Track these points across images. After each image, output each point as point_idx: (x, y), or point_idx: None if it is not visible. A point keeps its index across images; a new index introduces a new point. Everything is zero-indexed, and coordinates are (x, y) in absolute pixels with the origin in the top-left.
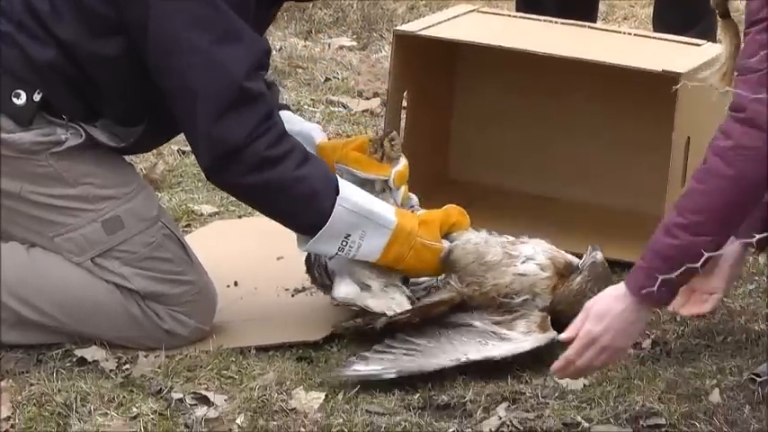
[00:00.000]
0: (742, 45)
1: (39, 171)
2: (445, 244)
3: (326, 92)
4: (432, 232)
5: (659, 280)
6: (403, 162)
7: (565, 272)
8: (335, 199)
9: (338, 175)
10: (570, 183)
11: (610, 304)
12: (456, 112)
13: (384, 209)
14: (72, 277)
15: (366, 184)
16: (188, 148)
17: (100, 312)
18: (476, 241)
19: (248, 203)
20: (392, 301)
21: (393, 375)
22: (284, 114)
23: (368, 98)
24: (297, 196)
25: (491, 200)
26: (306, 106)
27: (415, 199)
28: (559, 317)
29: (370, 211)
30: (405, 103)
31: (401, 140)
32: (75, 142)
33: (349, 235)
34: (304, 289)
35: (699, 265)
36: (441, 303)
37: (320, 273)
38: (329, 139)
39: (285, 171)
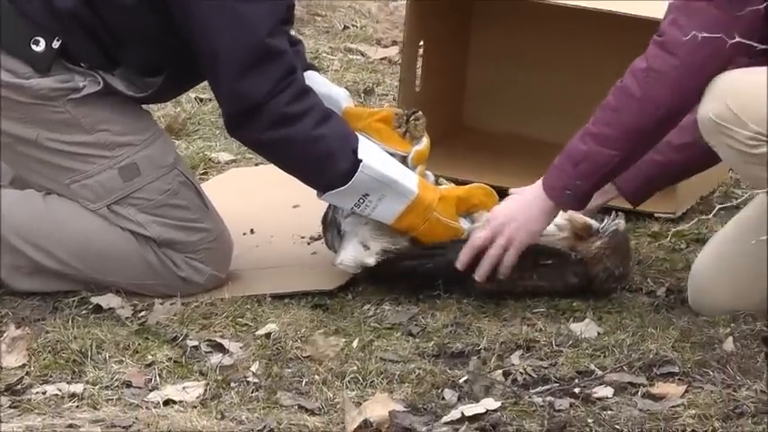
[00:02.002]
0: None
1: (55, 117)
2: (464, 223)
3: (345, 40)
4: (448, 210)
5: (565, 181)
6: (425, 142)
7: (582, 233)
8: (353, 161)
9: None
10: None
11: (522, 196)
12: (471, 59)
13: (407, 178)
14: (88, 224)
15: None
16: (205, 96)
17: (116, 259)
18: None
19: (266, 158)
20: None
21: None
22: (311, 75)
23: (386, 46)
24: (313, 155)
25: (506, 147)
26: (324, 54)
27: (431, 177)
28: None
29: (393, 179)
30: (421, 52)
31: (424, 120)
32: (92, 89)
33: (368, 195)
34: (320, 237)
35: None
36: None
37: (333, 235)
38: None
39: (303, 129)
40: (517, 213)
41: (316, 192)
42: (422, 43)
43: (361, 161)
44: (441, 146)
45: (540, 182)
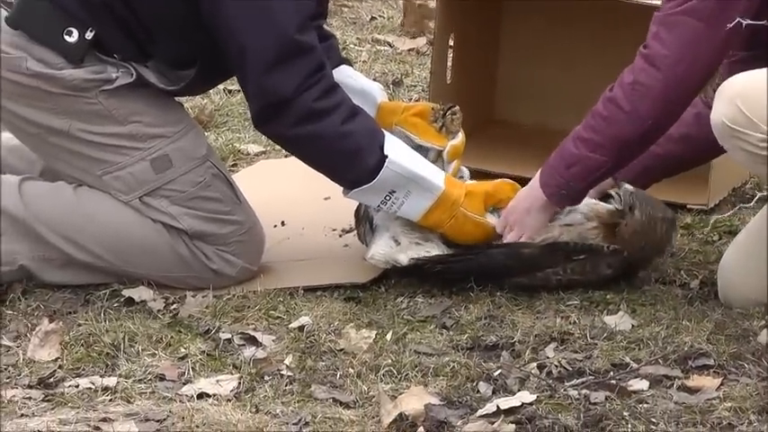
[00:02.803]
0: None
1: (88, 108)
2: (491, 219)
3: (372, 31)
4: (476, 205)
5: (559, 183)
6: (460, 137)
7: (609, 219)
8: (380, 157)
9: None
10: None
11: (525, 191)
12: (502, 51)
13: (433, 174)
14: (120, 216)
15: (419, 151)
16: (234, 87)
17: (147, 252)
18: None
19: (292, 153)
20: (425, 253)
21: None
22: (345, 70)
23: (414, 37)
24: (340, 151)
25: (536, 140)
26: (351, 45)
27: (466, 172)
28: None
29: (419, 175)
30: (451, 43)
31: (461, 115)
32: (125, 81)
33: (394, 191)
34: (351, 229)
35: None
36: None
37: (365, 229)
38: (390, 100)
39: (331, 125)
40: (520, 206)
41: (342, 189)
42: (452, 36)
43: (387, 157)
44: (471, 139)
45: (537, 177)
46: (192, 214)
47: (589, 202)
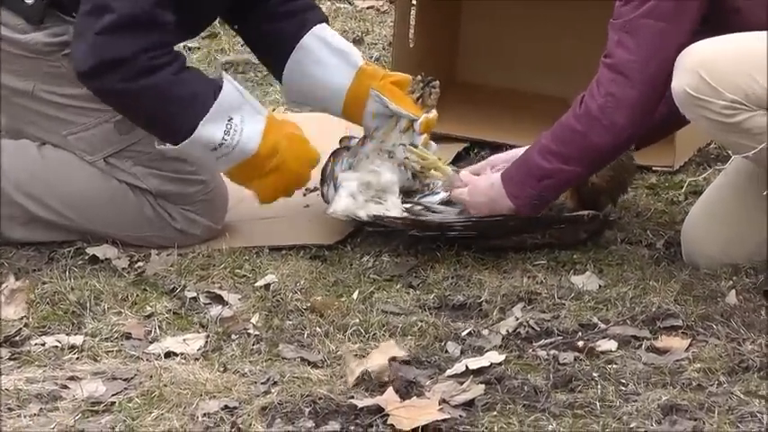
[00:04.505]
0: None
1: (51, 71)
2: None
3: None
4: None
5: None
6: (434, 113)
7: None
8: (216, 89)
9: (370, 103)
10: (581, 83)
11: (485, 192)
12: (464, 15)
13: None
14: (84, 175)
15: (392, 118)
16: (193, 45)
17: (111, 211)
18: None
19: (123, 110)
20: (382, 208)
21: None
22: (324, 30)
23: None
24: (177, 97)
25: (500, 101)
26: None
27: (434, 147)
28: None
29: (249, 99)
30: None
31: (439, 91)
32: None
33: (231, 118)
34: (315, 189)
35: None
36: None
37: (329, 187)
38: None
39: (165, 75)
40: (481, 205)
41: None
42: None
43: (222, 84)
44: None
45: (500, 184)
46: (157, 174)
47: None
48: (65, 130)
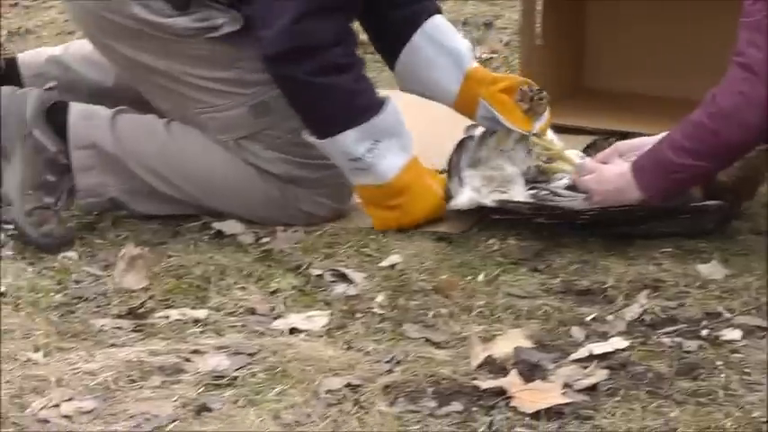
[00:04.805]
0: None
1: (193, 53)
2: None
3: None
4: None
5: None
6: (546, 117)
7: None
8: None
9: (480, 109)
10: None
11: (615, 176)
12: (589, 18)
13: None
14: (211, 155)
15: (504, 129)
16: None
17: (237, 192)
18: None
19: (292, 98)
20: (507, 196)
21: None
22: (437, 21)
23: None
24: (353, 105)
25: (626, 106)
26: None
27: (556, 141)
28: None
29: (404, 128)
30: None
31: (548, 98)
32: (232, 28)
33: (379, 140)
34: (443, 172)
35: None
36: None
37: (455, 182)
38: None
39: (345, 81)
40: (610, 193)
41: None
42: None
43: (388, 100)
44: (561, 107)
45: (630, 174)
46: (286, 159)
47: None
48: (197, 108)
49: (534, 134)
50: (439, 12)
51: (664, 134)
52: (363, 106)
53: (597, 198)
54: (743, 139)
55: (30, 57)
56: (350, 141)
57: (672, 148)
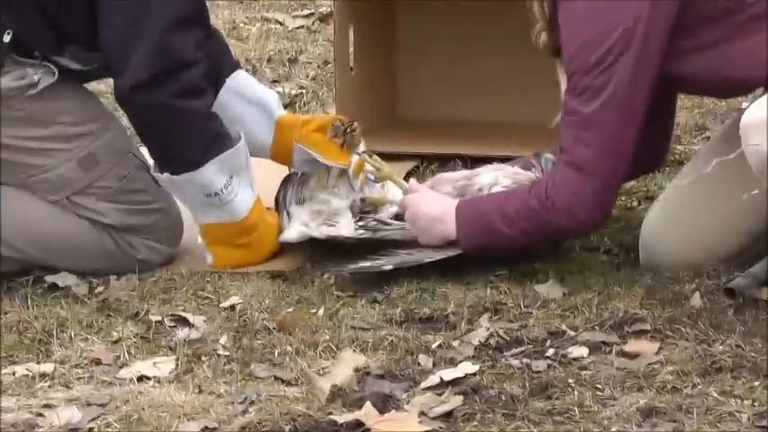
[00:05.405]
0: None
1: (15, 115)
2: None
3: (260, 9)
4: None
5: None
6: (361, 149)
7: None
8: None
9: (297, 153)
10: (517, 107)
11: (433, 222)
12: (400, 47)
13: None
14: (44, 214)
15: (323, 167)
16: None
17: (73, 247)
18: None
19: (150, 128)
20: (335, 230)
21: (390, 267)
22: (240, 75)
23: (303, 15)
24: (206, 131)
25: (442, 132)
26: (242, 24)
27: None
28: None
29: (251, 167)
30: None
31: (361, 129)
32: (48, 82)
33: (232, 177)
34: (270, 208)
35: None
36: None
37: (283, 216)
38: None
39: (204, 105)
40: (428, 227)
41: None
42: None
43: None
44: (375, 138)
45: (453, 215)
46: (119, 208)
47: (510, 173)
48: (25, 173)
49: (365, 152)
50: (239, 66)
51: (493, 192)
52: (220, 133)
53: (418, 225)
54: (576, 230)
55: None
56: (208, 174)
57: (503, 220)
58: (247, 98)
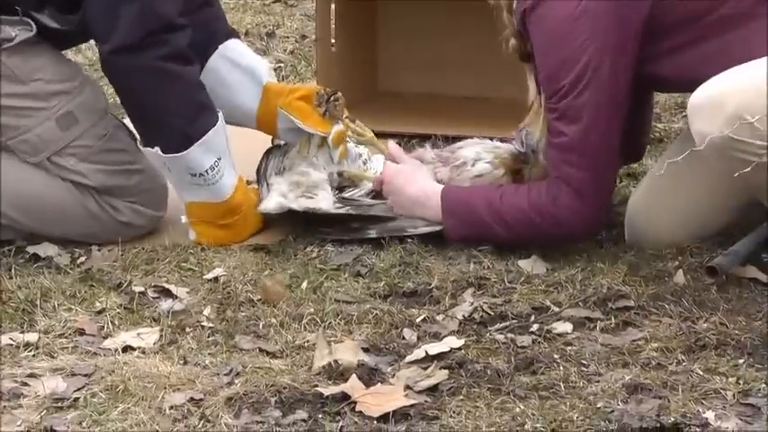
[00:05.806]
0: None
1: None
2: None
3: None
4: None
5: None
6: (342, 124)
7: (513, 165)
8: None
9: (280, 120)
10: (497, 80)
11: (414, 204)
12: (381, 21)
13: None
14: (28, 177)
15: (305, 136)
16: None
17: (57, 210)
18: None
19: (136, 93)
20: (313, 202)
21: (374, 234)
22: (233, 44)
23: None
24: (192, 101)
25: (421, 107)
26: None
27: (354, 152)
28: None
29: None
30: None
31: (344, 101)
32: (25, 36)
33: (220, 158)
34: (252, 182)
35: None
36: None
37: (263, 187)
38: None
39: (192, 73)
40: (408, 201)
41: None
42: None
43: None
44: (358, 111)
45: (438, 201)
46: (100, 169)
47: (490, 147)
48: (4, 136)
49: (347, 118)
50: (236, 35)
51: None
52: (206, 105)
53: (395, 198)
54: (567, 239)
55: None
56: (195, 156)
57: (494, 218)
58: (238, 64)
